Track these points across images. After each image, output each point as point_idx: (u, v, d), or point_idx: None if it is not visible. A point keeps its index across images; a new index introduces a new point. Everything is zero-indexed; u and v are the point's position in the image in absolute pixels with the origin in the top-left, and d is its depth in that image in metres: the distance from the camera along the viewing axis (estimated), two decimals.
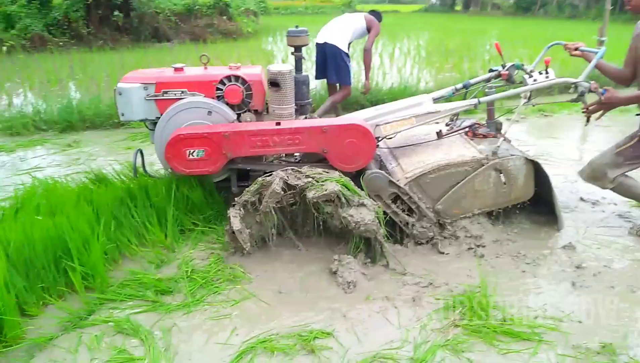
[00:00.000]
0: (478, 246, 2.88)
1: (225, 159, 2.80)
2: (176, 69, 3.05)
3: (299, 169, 2.69)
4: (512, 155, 2.87)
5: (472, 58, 9.81)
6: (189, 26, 15.18)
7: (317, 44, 5.16)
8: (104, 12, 13.55)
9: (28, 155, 4.66)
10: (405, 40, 14.08)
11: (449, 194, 2.84)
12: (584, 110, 2.84)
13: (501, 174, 2.85)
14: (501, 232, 3.03)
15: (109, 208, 2.68)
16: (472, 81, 3.36)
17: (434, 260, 2.79)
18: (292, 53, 3.26)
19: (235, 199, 2.67)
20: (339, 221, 2.62)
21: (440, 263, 2.75)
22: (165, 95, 2.94)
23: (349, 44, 5.32)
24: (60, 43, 12.61)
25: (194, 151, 2.74)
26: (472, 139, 3.13)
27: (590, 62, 2.92)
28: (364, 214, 2.55)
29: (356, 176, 2.84)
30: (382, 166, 3.07)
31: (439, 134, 3.10)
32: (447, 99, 3.32)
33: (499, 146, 2.88)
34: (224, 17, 15.99)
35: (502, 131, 3.16)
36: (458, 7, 36.91)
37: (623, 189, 3.04)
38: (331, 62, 5.15)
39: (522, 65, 3.11)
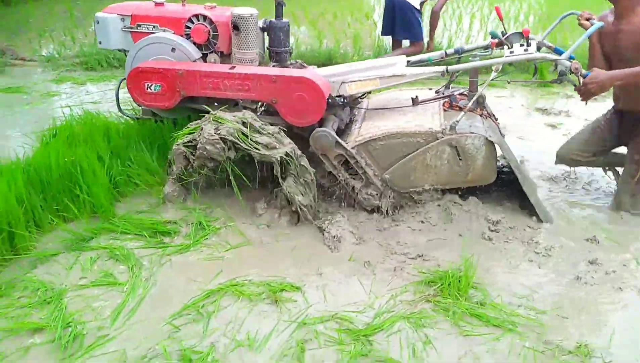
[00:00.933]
0: (492, 230, 2.72)
1: (180, 96, 2.85)
2: (157, 4, 3.12)
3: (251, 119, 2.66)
4: (471, 133, 2.63)
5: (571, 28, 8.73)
6: None
7: None
8: None
9: (93, 89, 5.04)
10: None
11: (398, 164, 2.71)
12: (579, 93, 2.54)
13: (456, 151, 2.65)
14: (523, 217, 2.84)
15: (125, 144, 2.86)
16: (467, 47, 3.09)
17: (440, 235, 2.68)
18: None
19: (190, 124, 2.74)
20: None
21: (444, 240, 2.64)
22: (139, 28, 3.04)
23: (421, 3, 5.10)
24: None
25: (151, 85, 2.83)
26: (446, 111, 2.91)
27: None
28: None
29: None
30: (348, 126, 3.00)
31: (414, 101, 2.90)
32: (436, 64, 3.05)
33: (458, 121, 2.65)
34: None
35: (470, 105, 2.78)
36: None
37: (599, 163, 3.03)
38: (400, 17, 5.00)
39: (496, 33, 2.84)
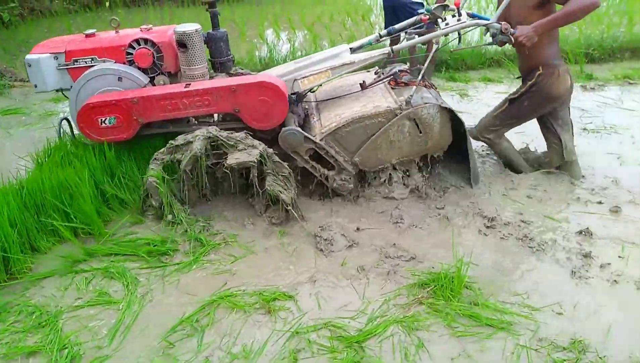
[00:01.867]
0: (488, 227, 2.72)
1: (138, 124, 2.79)
2: (87, 35, 3.00)
3: (217, 131, 2.68)
4: (425, 103, 2.77)
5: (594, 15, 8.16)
6: None
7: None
8: None
9: None
10: None
11: (365, 146, 2.82)
12: (513, 46, 2.80)
13: (415, 123, 2.79)
14: (516, 214, 2.83)
15: (116, 162, 2.87)
16: (397, 26, 3.14)
17: (437, 235, 2.68)
18: (207, 10, 3.09)
19: (155, 154, 2.71)
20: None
21: (439, 241, 2.63)
22: (76, 63, 2.89)
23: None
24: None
25: (105, 119, 2.75)
26: (394, 89, 3.02)
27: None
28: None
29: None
30: (306, 120, 3.04)
31: (362, 85, 3.01)
32: (372, 48, 3.17)
33: (412, 96, 2.78)
34: None
35: (419, 78, 2.94)
36: None
37: (498, 149, 3.23)
38: (402, 16, 4.97)
39: (430, 9, 2.92)
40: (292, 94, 2.95)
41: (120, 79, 2.85)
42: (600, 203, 2.92)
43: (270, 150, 2.71)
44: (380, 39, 3.18)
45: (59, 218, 2.60)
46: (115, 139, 2.85)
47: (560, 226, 2.71)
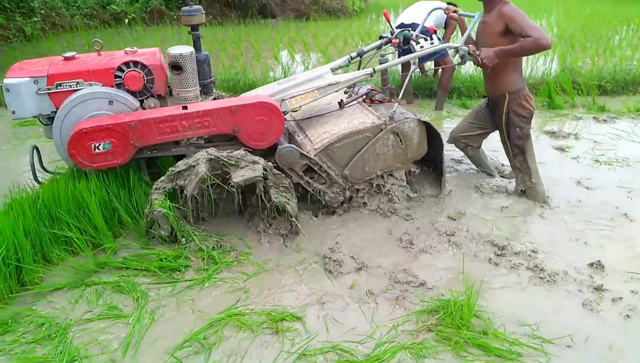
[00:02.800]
0: (498, 255, 2.72)
1: (134, 149, 2.72)
2: (66, 58, 2.90)
3: (218, 152, 2.71)
4: (406, 118, 3.05)
5: (607, 48, 8.35)
6: (295, 3, 15.47)
7: (396, 27, 5.06)
8: None
9: None
10: None
11: (354, 160, 3.00)
12: (480, 67, 3.14)
13: (398, 137, 3.04)
14: (529, 243, 2.83)
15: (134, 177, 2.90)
16: (366, 48, 3.47)
17: (447, 262, 2.67)
18: (189, 32, 3.14)
19: (155, 184, 2.69)
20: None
21: (449, 267, 2.63)
22: (59, 88, 2.77)
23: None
24: (175, 17, 13.56)
25: (99, 145, 2.64)
26: (370, 106, 3.27)
27: (463, 27, 3.43)
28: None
29: (267, 152, 2.91)
30: (291, 139, 3.13)
31: (341, 104, 3.22)
32: (344, 68, 3.43)
33: (394, 111, 3.05)
34: None
35: (397, 96, 3.25)
36: None
37: (477, 160, 3.66)
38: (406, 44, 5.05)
39: (410, 33, 3.29)
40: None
41: (111, 102, 2.79)
42: (611, 236, 2.90)
43: (270, 163, 2.77)
44: (352, 61, 3.40)
45: (72, 230, 2.63)
46: (110, 165, 2.73)
47: (571, 257, 2.70)
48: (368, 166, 3.05)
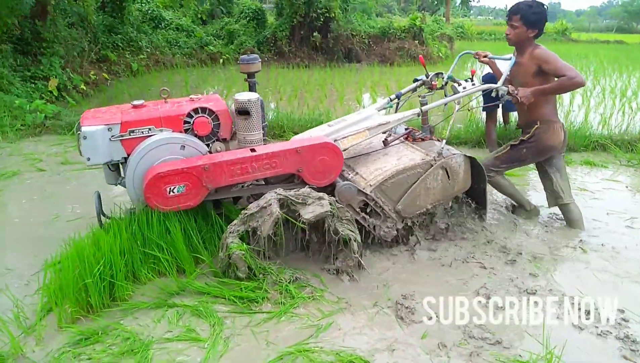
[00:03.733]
0: (584, 318, 2.56)
1: (206, 191, 2.82)
2: (135, 106, 3.04)
3: (286, 191, 2.81)
4: (453, 154, 3.21)
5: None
6: (380, 48, 15.83)
7: (482, 77, 5.07)
8: (305, 33, 15.00)
9: None
10: (606, 80, 11.41)
11: (406, 195, 3.12)
12: (517, 105, 3.41)
13: (446, 171, 3.18)
14: (618, 311, 2.63)
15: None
16: (403, 91, 3.63)
17: (526, 320, 2.56)
18: (245, 80, 3.21)
19: (229, 227, 2.77)
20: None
21: (529, 326, 2.51)
22: (132, 134, 2.89)
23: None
24: (265, 58, 14.34)
25: (174, 188, 2.74)
26: (413, 144, 3.42)
27: (494, 68, 3.76)
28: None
29: (319, 189, 2.96)
30: (342, 176, 3.22)
31: (385, 143, 3.44)
32: (387, 109, 3.59)
33: (443, 148, 3.19)
34: (416, 41, 16.27)
35: (445, 135, 3.39)
36: None
37: (498, 186, 3.70)
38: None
39: (452, 76, 3.45)
40: None
41: (183, 147, 2.92)
42: None
43: (332, 198, 2.86)
44: (391, 102, 3.58)
45: (161, 254, 2.81)
46: (182, 208, 2.82)
47: None
48: (419, 201, 3.17)
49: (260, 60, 3.35)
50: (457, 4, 41.52)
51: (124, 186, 2.99)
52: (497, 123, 5.59)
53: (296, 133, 4.82)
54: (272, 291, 2.71)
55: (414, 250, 3.21)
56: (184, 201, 2.80)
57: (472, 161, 3.29)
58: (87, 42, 10.50)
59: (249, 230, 2.77)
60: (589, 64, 13.94)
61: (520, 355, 2.28)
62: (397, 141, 3.48)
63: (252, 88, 3.31)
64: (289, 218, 2.80)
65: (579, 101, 8.12)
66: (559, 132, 3.44)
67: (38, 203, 4.02)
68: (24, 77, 7.97)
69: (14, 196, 4.20)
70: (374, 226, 3.12)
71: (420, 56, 3.98)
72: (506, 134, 5.51)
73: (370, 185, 3.06)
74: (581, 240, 3.39)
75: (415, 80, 3.65)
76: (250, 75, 3.30)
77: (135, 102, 3.06)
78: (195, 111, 3.04)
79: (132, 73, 11.58)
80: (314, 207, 2.77)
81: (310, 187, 2.91)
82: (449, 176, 3.20)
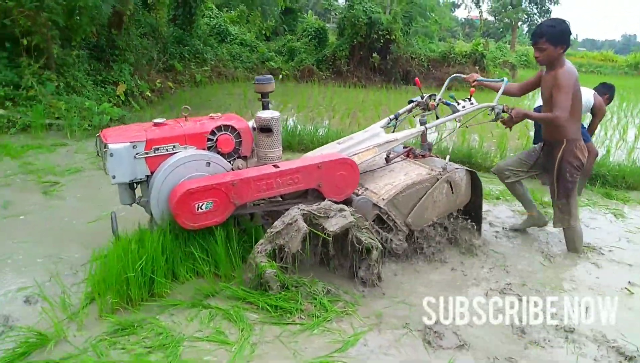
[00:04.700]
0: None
1: (233, 207, 2.84)
2: (156, 124, 3.03)
3: (308, 206, 2.86)
4: (456, 168, 3.43)
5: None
6: (439, 73, 15.75)
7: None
8: (364, 54, 15.18)
9: None
10: None
11: (416, 208, 3.26)
12: (504, 124, 3.52)
13: (450, 185, 3.37)
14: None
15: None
16: (400, 111, 3.77)
17: (560, 359, 2.47)
18: (259, 99, 3.26)
19: (256, 247, 2.78)
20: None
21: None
22: (156, 152, 2.90)
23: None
24: (323, 77, 14.60)
25: (202, 204, 2.74)
26: (415, 160, 3.60)
27: (492, 86, 3.84)
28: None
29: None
30: (354, 192, 3.27)
31: (387, 160, 3.61)
32: (387, 128, 3.73)
33: (447, 163, 3.38)
34: (477, 67, 16.07)
35: (449, 151, 3.59)
36: None
37: (514, 191, 3.91)
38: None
39: (452, 96, 3.65)
40: None
41: (208, 164, 2.96)
42: None
43: (351, 208, 2.93)
44: (390, 122, 3.71)
45: (200, 255, 2.92)
46: (208, 224, 2.82)
47: None
48: (427, 213, 3.33)
49: (274, 80, 3.43)
50: (524, 32, 40.69)
51: (142, 206, 3.05)
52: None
53: None
54: (306, 303, 2.74)
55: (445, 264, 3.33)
56: (211, 218, 2.81)
57: (472, 175, 3.50)
58: (157, 51, 11.11)
59: (276, 247, 2.78)
60: None
61: None
62: (398, 159, 3.65)
63: (265, 107, 3.35)
64: (316, 231, 2.83)
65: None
66: (583, 149, 3.50)
67: (94, 199, 4.26)
68: (96, 81, 8.53)
69: (74, 191, 4.48)
70: (386, 239, 3.20)
71: (417, 78, 4.10)
72: None
73: (383, 199, 3.17)
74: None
75: (410, 101, 3.81)
76: (264, 95, 3.36)
77: (157, 120, 3.07)
78: (219, 128, 3.11)
79: (195, 83, 12.11)
80: (337, 219, 2.82)
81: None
82: (452, 190, 3.39)
